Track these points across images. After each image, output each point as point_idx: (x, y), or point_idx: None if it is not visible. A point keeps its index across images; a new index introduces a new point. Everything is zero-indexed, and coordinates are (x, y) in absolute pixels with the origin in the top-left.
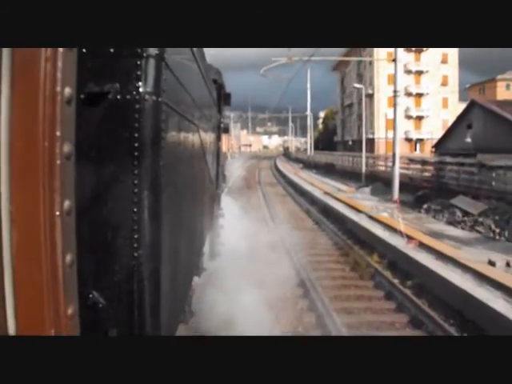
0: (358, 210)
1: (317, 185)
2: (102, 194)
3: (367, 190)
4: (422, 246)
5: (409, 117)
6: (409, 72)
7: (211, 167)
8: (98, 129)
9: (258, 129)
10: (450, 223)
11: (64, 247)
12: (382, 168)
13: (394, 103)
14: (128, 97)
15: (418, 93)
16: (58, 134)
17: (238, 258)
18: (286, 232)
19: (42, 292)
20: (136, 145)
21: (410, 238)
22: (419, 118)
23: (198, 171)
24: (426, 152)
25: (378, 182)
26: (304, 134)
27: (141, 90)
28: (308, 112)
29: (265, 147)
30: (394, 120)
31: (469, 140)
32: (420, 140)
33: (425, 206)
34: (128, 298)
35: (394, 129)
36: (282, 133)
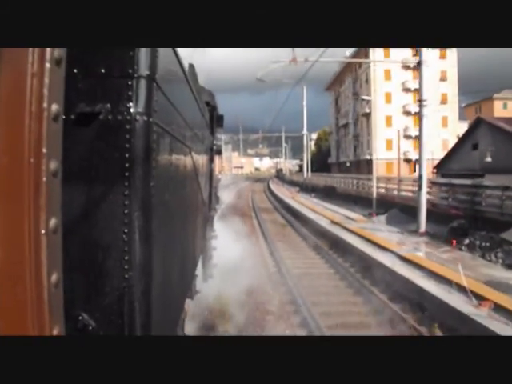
0: (381, 247)
1: (320, 212)
2: (93, 215)
3: (382, 218)
4: (499, 309)
5: (407, 136)
6: (407, 90)
7: (204, 189)
8: (89, 149)
9: (249, 151)
10: (510, 267)
11: (49, 266)
12: (394, 192)
13: (419, 114)
14: (119, 117)
15: (416, 112)
16: (44, 150)
17: None
18: (301, 290)
19: (26, 312)
20: (127, 165)
21: (475, 295)
22: (418, 138)
23: (190, 193)
24: (427, 173)
25: (394, 209)
26: (295, 155)
27: (132, 110)
28: (304, 131)
29: (256, 169)
30: (420, 135)
31: (489, 159)
32: (415, 160)
33: (466, 241)
34: (118, 320)
35: (420, 145)
36: (273, 155)
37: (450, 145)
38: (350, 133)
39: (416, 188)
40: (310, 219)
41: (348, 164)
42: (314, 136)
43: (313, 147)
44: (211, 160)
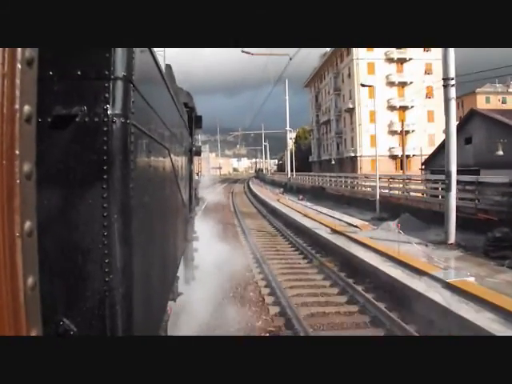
0: (412, 268)
1: (314, 217)
2: (72, 218)
3: (390, 224)
4: None
5: (393, 132)
6: (391, 84)
7: (184, 190)
8: (66, 152)
9: (227, 151)
10: None
11: (25, 269)
12: (396, 191)
13: (446, 96)
14: (96, 119)
15: (401, 106)
16: (17, 152)
17: None
18: None
19: (3, 315)
20: (105, 168)
21: None
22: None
23: (170, 194)
24: (414, 170)
25: (406, 214)
26: (273, 155)
27: (109, 112)
28: (287, 126)
29: (235, 170)
30: (448, 123)
31: (501, 153)
32: (406, 157)
33: None
34: (100, 324)
35: (448, 135)
36: (250, 155)
37: (437, 140)
38: (332, 130)
39: (418, 188)
40: (304, 227)
41: (333, 162)
42: (293, 135)
43: (291, 146)
44: (190, 161)
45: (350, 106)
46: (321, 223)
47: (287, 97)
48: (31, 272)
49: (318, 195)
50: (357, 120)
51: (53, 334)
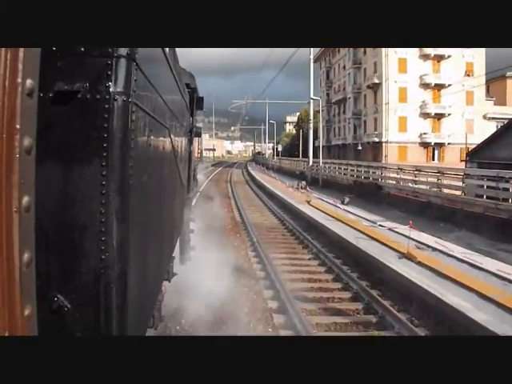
0: None
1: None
2: (70, 195)
3: None
4: None
5: (425, 114)
6: (426, 57)
7: (182, 171)
8: (67, 128)
9: (220, 134)
10: None
11: (21, 245)
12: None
13: None
14: (98, 96)
15: (437, 84)
16: (17, 126)
17: None
18: None
19: None
20: (105, 145)
21: None
22: (438, 117)
23: (169, 174)
24: (448, 161)
25: None
26: (268, 140)
27: (111, 89)
28: (311, 94)
29: (228, 152)
30: None
31: None
32: (439, 145)
33: None
34: (94, 302)
35: None
36: (244, 139)
37: (476, 127)
38: (348, 110)
39: None
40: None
41: (359, 147)
42: (291, 119)
43: (292, 129)
44: (190, 142)
45: (376, 81)
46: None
47: (311, 59)
48: (27, 248)
49: (368, 196)
50: (383, 98)
51: (46, 311)
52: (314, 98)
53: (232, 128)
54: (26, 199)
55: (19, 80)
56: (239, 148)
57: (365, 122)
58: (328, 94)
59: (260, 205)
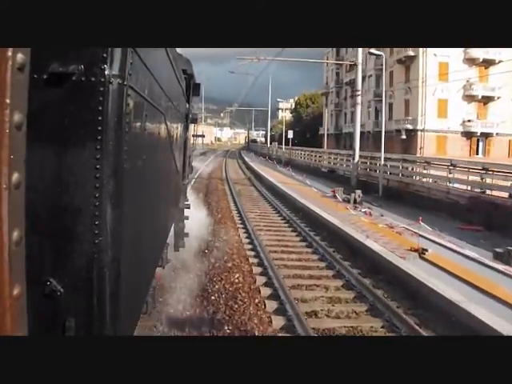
0: None
1: None
2: (63, 178)
3: None
4: None
5: (470, 97)
6: None
7: (178, 157)
8: (61, 110)
9: (209, 120)
10: None
11: (11, 223)
12: None
13: None
14: (93, 79)
15: (485, 59)
16: (7, 101)
17: None
18: None
19: None
20: (99, 128)
21: None
22: (485, 101)
23: (164, 160)
24: (495, 156)
25: None
26: (257, 127)
27: (106, 72)
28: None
29: (218, 140)
30: None
31: None
32: (484, 135)
33: None
34: (87, 286)
35: None
36: (233, 126)
37: None
38: (369, 90)
39: None
40: None
41: (404, 136)
42: (286, 105)
43: (289, 115)
44: (186, 128)
45: (411, 53)
46: None
47: None
48: (17, 226)
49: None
50: (420, 74)
51: (39, 294)
52: (376, 52)
53: (221, 114)
54: (15, 176)
55: (9, 53)
56: (229, 135)
57: (390, 105)
58: (338, 74)
59: (267, 208)
